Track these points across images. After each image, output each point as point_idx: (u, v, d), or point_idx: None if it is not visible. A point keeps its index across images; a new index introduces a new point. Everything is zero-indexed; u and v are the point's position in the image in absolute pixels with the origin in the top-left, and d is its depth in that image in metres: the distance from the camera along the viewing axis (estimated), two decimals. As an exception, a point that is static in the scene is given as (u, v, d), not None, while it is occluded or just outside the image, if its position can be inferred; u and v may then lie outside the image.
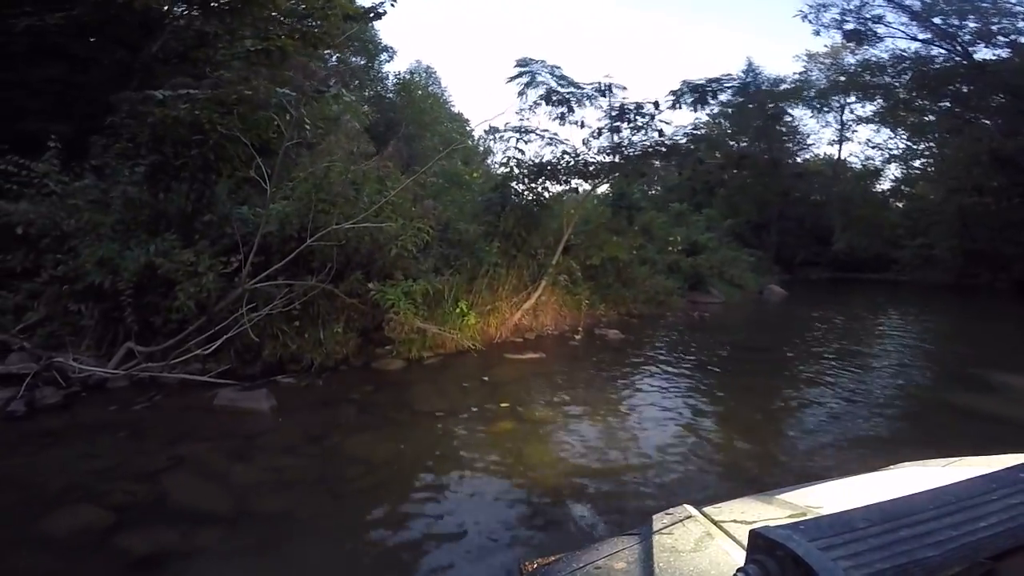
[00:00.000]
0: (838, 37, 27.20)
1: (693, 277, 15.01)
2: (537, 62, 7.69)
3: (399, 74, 23.88)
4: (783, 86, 32.46)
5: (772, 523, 0.74)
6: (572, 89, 7.49)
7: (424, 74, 25.66)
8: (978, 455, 1.32)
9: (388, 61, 22.42)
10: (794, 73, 32.63)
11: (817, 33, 27.28)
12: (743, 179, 25.19)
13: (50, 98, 8.38)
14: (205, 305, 4.79)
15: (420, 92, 23.04)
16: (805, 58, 31.52)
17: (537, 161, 8.04)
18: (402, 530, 2.75)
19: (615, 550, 0.95)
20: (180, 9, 10.06)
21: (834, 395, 5.50)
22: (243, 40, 9.90)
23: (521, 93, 7.56)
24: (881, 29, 24.74)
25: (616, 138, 8.01)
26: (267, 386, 4.83)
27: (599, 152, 8.17)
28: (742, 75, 32.95)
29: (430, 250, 7.01)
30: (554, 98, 7.47)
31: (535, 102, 7.59)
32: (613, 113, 7.74)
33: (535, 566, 1.08)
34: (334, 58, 16.31)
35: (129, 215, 5.27)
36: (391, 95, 21.49)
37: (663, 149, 8.06)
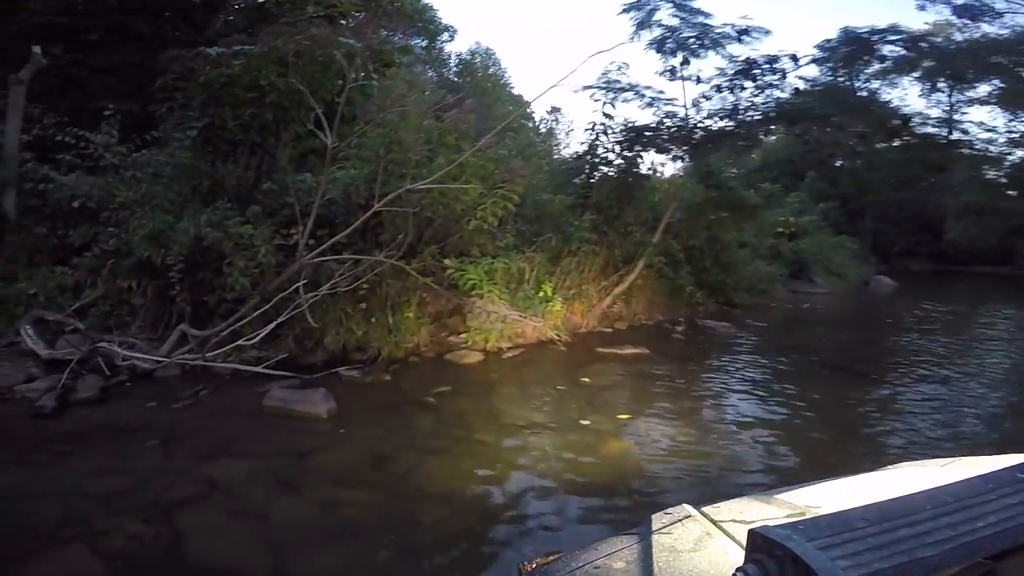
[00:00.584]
0: (947, 13, 23.51)
1: (795, 264, 13.18)
2: None
3: (460, 55, 23.18)
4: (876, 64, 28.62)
5: (771, 523, 0.73)
6: (696, 28, 6.10)
7: (484, 55, 24.80)
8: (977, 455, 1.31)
9: (449, 41, 21.72)
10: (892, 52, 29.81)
11: (923, 8, 23.72)
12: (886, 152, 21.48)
13: (118, 78, 8.27)
14: (260, 283, 4.10)
15: (481, 73, 22.17)
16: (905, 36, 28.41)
17: (631, 125, 6.80)
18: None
19: (614, 550, 0.92)
20: None
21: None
22: (306, 8, 9.43)
23: (635, 34, 6.26)
24: (1001, 4, 20.87)
25: (733, 99, 6.61)
26: (327, 380, 4.10)
27: (709, 115, 6.82)
28: (828, 47, 30.32)
29: (505, 225, 6.06)
30: (668, 45, 6.14)
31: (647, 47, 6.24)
32: (737, 67, 6.33)
33: (534, 566, 1.03)
34: (397, 36, 15.86)
35: (186, 185, 4.72)
36: (454, 77, 20.81)
37: (790, 112, 6.56)
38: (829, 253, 15.74)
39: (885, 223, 29.49)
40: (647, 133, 6.61)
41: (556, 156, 12.89)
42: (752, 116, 6.62)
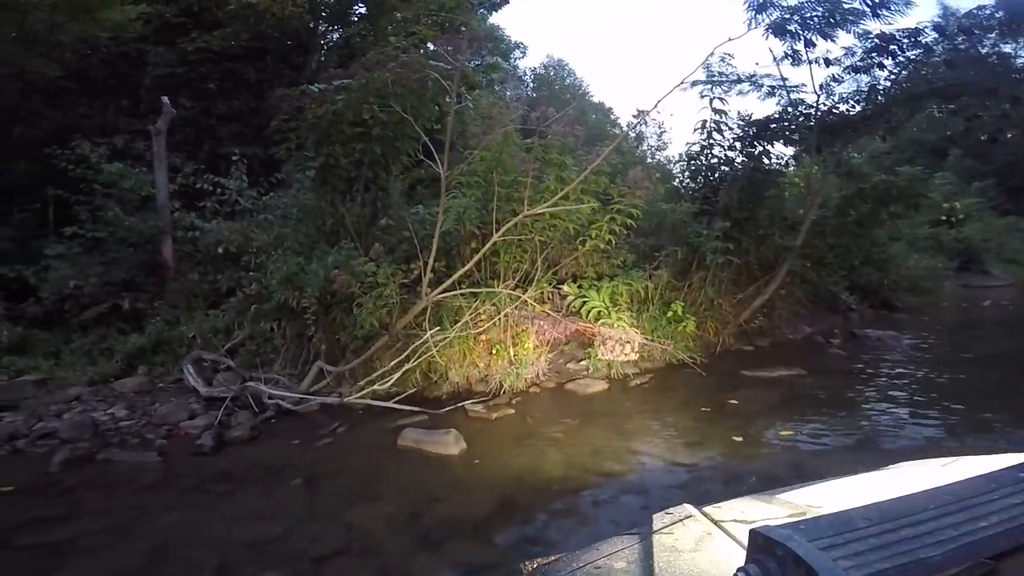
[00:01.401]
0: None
1: (962, 254, 11.14)
2: None
3: (534, 69, 23.24)
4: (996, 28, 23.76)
5: (772, 523, 0.72)
6: (822, 5, 5.34)
7: (558, 67, 24.63)
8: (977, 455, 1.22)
9: (521, 58, 21.86)
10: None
11: None
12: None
13: (239, 124, 9.26)
14: (385, 323, 4.15)
15: (558, 85, 22.01)
16: None
17: (753, 119, 6.09)
18: None
19: (615, 549, 0.95)
20: (324, 26, 10.49)
21: None
22: (388, 39, 9.96)
23: (752, 19, 5.63)
24: None
25: (868, 79, 5.68)
26: (454, 415, 4.03)
27: (842, 100, 5.92)
28: (938, 21, 26.02)
29: (619, 241, 5.66)
30: (791, 27, 5.42)
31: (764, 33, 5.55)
32: (872, 45, 5.43)
33: (535, 566, 1.12)
34: (475, 58, 16.22)
35: (312, 226, 5.00)
36: (531, 92, 20.87)
37: (944, 88, 5.47)
38: (1000, 238, 13.17)
39: None
40: (772, 125, 5.87)
41: (650, 161, 12.20)
42: (895, 95, 5.62)
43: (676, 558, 0.88)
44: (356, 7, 10.73)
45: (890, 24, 5.40)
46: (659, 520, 1.02)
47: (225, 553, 2.59)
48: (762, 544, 0.65)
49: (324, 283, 4.19)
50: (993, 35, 6.51)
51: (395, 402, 4.23)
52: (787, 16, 5.48)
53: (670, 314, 4.97)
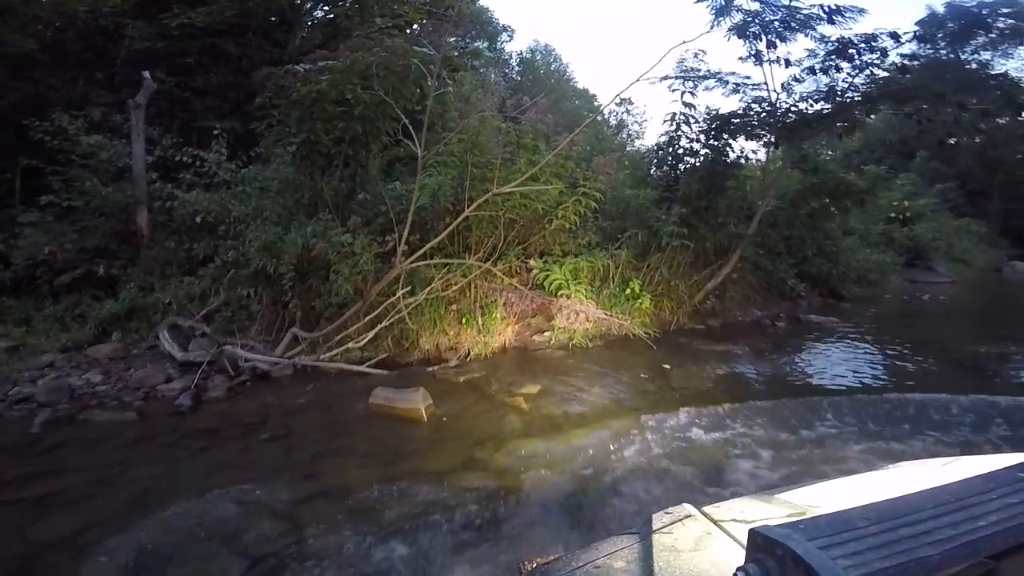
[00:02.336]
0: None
1: (911, 251, 11.95)
2: None
3: (520, 53, 23.34)
4: (980, 37, 25.12)
5: (771, 522, 0.72)
6: (780, 11, 5.76)
7: (544, 52, 24.74)
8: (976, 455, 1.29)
9: (508, 41, 21.92)
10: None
11: None
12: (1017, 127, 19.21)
13: (217, 98, 9.26)
14: (361, 289, 4.44)
15: (543, 70, 22.18)
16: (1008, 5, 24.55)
17: (717, 113, 6.52)
18: None
19: (614, 549, 0.94)
20: (309, 3, 10.48)
21: None
22: (374, 20, 10.01)
23: (714, 21, 6.02)
24: None
25: (828, 81, 6.15)
26: (424, 378, 4.35)
27: (802, 99, 6.39)
28: (924, 22, 27.37)
29: (586, 222, 6.05)
30: (753, 30, 5.84)
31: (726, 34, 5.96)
32: (831, 48, 5.88)
33: (535, 565, 1.08)
34: (452, 39, 16.26)
35: (289, 198, 5.21)
36: (516, 75, 20.99)
37: (898, 91, 5.98)
38: (951, 238, 14.14)
39: (1018, 202, 26.18)
40: (734, 120, 6.31)
41: (629, 149, 12.63)
42: (852, 97, 6.10)
43: (676, 558, 0.89)
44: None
45: (848, 29, 5.86)
46: (658, 520, 1.02)
47: (206, 501, 2.78)
48: (761, 543, 0.66)
49: (302, 251, 4.44)
50: (945, 42, 7.10)
51: (367, 366, 4.54)
52: (748, 20, 5.89)
53: (628, 291, 5.41)
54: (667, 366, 4.68)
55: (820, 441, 3.40)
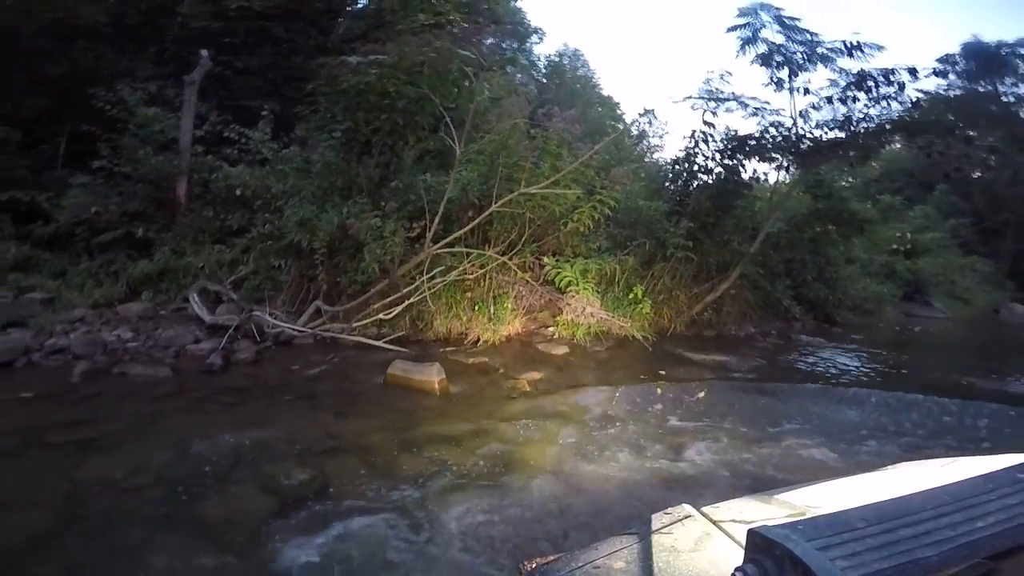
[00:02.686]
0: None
1: (911, 285, 12.26)
2: (762, 10, 6.48)
3: (549, 56, 23.71)
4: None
5: (770, 523, 0.73)
6: (803, 45, 6.15)
7: (572, 57, 25.12)
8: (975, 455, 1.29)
9: (538, 43, 22.27)
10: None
11: None
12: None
13: (258, 78, 9.69)
14: (388, 269, 4.83)
15: (570, 75, 22.55)
16: None
17: (734, 134, 6.89)
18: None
19: (614, 549, 0.94)
20: None
21: None
22: (416, 15, 10.39)
23: (741, 50, 6.40)
24: None
25: (845, 110, 6.51)
26: (436, 356, 4.74)
27: (818, 126, 6.75)
28: (964, 51, 27.87)
29: (598, 227, 6.43)
30: (776, 59, 6.22)
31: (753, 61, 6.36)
32: (850, 79, 6.25)
33: (535, 565, 1.08)
34: (489, 41, 16.66)
35: (327, 180, 5.62)
36: (544, 78, 21.37)
37: (910, 124, 6.34)
38: (954, 275, 14.42)
39: None
40: (751, 142, 6.67)
41: (648, 160, 12.97)
42: (866, 127, 6.45)
43: (675, 558, 0.90)
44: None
45: (867, 63, 6.23)
46: (658, 520, 1.03)
47: (237, 450, 3.11)
48: (760, 544, 0.67)
49: (336, 229, 4.84)
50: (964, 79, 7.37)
51: (385, 342, 4.93)
52: (772, 50, 6.26)
53: (631, 296, 5.78)
54: (662, 372, 5.05)
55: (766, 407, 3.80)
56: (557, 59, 23.71)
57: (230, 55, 9.40)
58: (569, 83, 21.52)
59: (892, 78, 6.09)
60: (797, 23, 6.24)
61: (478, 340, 5.23)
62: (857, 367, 5.92)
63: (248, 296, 5.81)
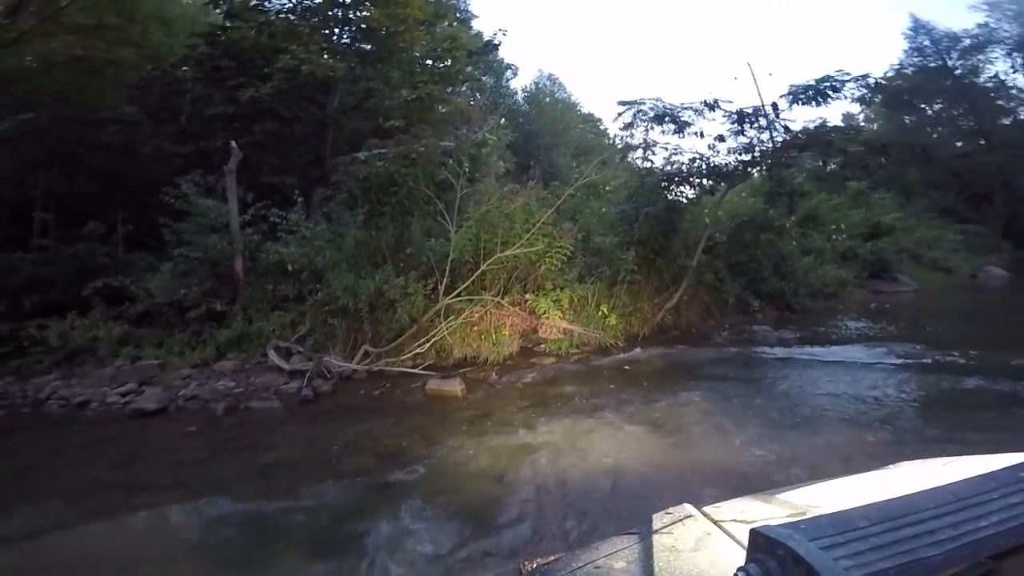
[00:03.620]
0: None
1: (874, 264, 14.20)
2: (638, 102, 8.96)
3: (526, 88, 26.20)
4: (966, 41, 28.64)
5: (772, 522, 0.78)
6: (677, 113, 8.50)
7: (548, 82, 27.68)
8: (978, 454, 1.38)
9: (512, 78, 24.76)
10: (976, 25, 28.45)
11: None
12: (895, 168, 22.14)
13: (273, 153, 12.11)
14: (415, 317, 7.06)
15: (548, 100, 24.96)
16: (986, 7, 27.61)
17: (663, 170, 9.13)
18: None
19: (615, 549, 0.99)
20: (343, 64, 13.25)
21: None
22: (399, 91, 12.83)
23: (627, 128, 8.81)
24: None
25: (742, 139, 8.74)
26: (458, 376, 6.92)
27: (730, 152, 8.96)
28: (909, 33, 29.94)
29: (575, 260, 8.63)
30: (665, 121, 8.54)
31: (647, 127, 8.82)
32: (734, 119, 8.47)
33: (535, 566, 1.10)
34: (464, 86, 19.09)
35: (357, 252, 7.88)
36: (524, 106, 23.75)
37: (799, 142, 8.53)
38: (922, 248, 16.33)
39: (1020, 205, 27.87)
40: (675, 176, 8.92)
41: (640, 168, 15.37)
42: (766, 148, 8.66)
43: (676, 558, 0.92)
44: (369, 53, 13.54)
45: (743, 107, 8.47)
46: (658, 520, 1.05)
47: (347, 440, 5.24)
48: (762, 544, 0.69)
49: (374, 292, 7.09)
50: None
51: (419, 369, 7.12)
52: (658, 115, 8.58)
53: (600, 313, 7.93)
54: (627, 367, 7.20)
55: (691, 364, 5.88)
56: (534, 87, 26.23)
57: (248, 136, 11.85)
58: (548, 110, 23.86)
59: (762, 113, 8.29)
60: (665, 105, 8.58)
61: (486, 360, 7.40)
62: (772, 344, 8.01)
63: (312, 347, 8.07)
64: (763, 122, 8.31)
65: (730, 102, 8.27)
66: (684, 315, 9.11)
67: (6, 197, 11.08)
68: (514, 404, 5.95)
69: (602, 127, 29.56)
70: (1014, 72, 28.46)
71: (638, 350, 7.95)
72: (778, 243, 10.72)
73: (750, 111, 8.25)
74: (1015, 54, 28.12)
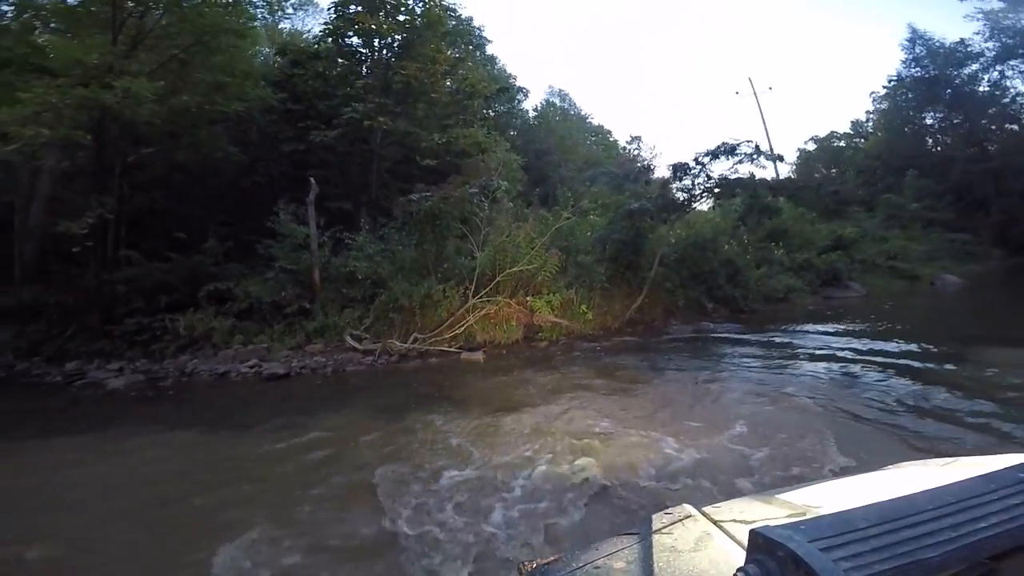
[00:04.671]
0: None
1: (827, 273, 17.72)
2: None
3: (536, 108, 30.16)
4: (962, 50, 31.38)
5: (772, 523, 0.82)
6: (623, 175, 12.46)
7: (558, 98, 31.64)
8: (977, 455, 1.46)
9: (524, 100, 28.69)
10: (974, 34, 31.41)
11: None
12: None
13: (332, 182, 16.18)
14: (451, 312, 11.03)
15: (557, 118, 28.84)
16: (980, 16, 30.20)
17: (629, 206, 12.99)
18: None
19: (614, 550, 1.04)
20: (388, 118, 17.20)
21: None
22: (432, 134, 16.85)
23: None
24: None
25: (681, 184, 12.62)
26: (481, 351, 10.85)
27: (679, 190, 12.80)
28: (907, 43, 33.09)
29: (566, 272, 12.51)
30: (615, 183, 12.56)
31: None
32: (670, 172, 12.42)
33: (534, 566, 1.16)
34: (485, 109, 23.06)
35: (411, 265, 11.89)
36: (535, 123, 27.64)
37: (721, 184, 12.38)
38: (881, 258, 19.81)
39: (1014, 211, 30.11)
40: (635, 213, 12.76)
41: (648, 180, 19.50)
42: (703, 187, 12.49)
43: (676, 558, 0.97)
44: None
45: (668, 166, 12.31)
46: (658, 520, 1.11)
47: (417, 392, 9.06)
48: (762, 544, 0.73)
49: (423, 295, 11.06)
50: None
51: (455, 348, 11.06)
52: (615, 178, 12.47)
53: (581, 311, 11.78)
54: (597, 346, 11.05)
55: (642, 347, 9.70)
56: (544, 103, 30.14)
57: (308, 167, 15.91)
58: (557, 128, 27.71)
59: (688, 168, 12.09)
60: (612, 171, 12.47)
61: (500, 342, 11.31)
62: (705, 335, 11.82)
63: (375, 334, 12.07)
64: (695, 170, 12.14)
65: (657, 165, 12.19)
66: (648, 313, 12.90)
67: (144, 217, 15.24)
68: (517, 366, 9.88)
69: (611, 139, 33.44)
70: (1006, 79, 31.26)
71: (608, 337, 11.81)
72: (733, 256, 14.44)
73: (681, 165, 12.10)
74: (1010, 62, 30.94)
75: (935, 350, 9.17)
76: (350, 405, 8.08)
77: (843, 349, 9.66)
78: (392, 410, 7.51)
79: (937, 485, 0.91)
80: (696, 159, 12.14)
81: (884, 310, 15.16)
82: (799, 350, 9.89)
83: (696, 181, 12.38)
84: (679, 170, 12.20)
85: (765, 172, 29.65)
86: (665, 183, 12.60)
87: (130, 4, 13.59)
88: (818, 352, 9.56)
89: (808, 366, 8.61)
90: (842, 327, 12.03)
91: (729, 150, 11.89)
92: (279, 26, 24.05)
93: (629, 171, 13.51)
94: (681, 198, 12.62)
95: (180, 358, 12.43)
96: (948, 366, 7.98)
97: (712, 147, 12.03)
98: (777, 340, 10.91)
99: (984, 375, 7.24)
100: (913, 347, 9.34)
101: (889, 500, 0.85)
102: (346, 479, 5.12)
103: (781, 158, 15.08)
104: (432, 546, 3.79)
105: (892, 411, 6.10)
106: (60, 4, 13.84)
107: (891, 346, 9.57)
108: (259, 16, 17.32)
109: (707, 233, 13.81)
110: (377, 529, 4.08)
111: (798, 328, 12.22)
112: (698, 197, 12.60)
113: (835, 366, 8.50)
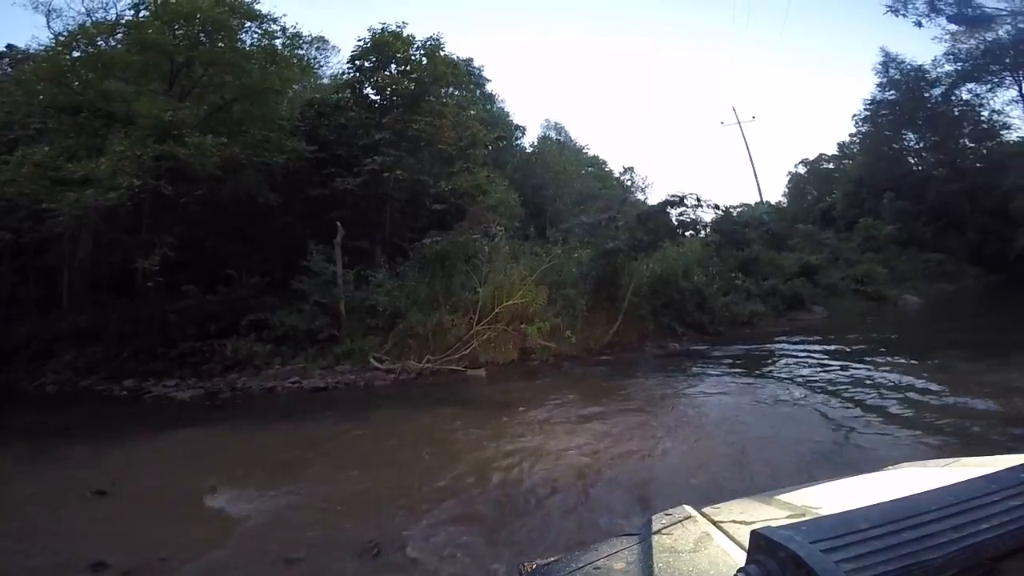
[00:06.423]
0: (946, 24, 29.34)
1: (791, 298, 21.13)
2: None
3: (533, 144, 33.88)
4: (933, 72, 33.94)
5: (772, 523, 0.86)
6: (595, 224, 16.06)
7: (554, 131, 35.37)
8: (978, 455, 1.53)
9: (521, 137, 32.41)
10: (944, 55, 34.16)
11: (919, 24, 30.21)
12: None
13: (351, 223, 19.64)
14: (459, 337, 14.48)
15: (552, 154, 32.55)
16: (947, 37, 32.65)
17: (606, 246, 16.47)
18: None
19: (614, 550, 1.08)
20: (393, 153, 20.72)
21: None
22: (439, 181, 20.48)
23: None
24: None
25: (652, 225, 16.15)
26: (483, 368, 14.24)
27: (644, 233, 16.34)
28: (879, 67, 36.34)
29: (555, 303, 15.96)
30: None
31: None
32: (635, 220, 15.98)
33: (534, 566, 1.20)
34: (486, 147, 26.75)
35: (425, 298, 15.37)
36: (532, 159, 31.29)
37: (689, 222, 16.01)
38: (846, 282, 23.27)
39: (988, 232, 33.00)
40: (613, 251, 16.22)
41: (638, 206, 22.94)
42: (658, 231, 16.05)
43: (675, 559, 1.00)
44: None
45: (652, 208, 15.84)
46: (658, 521, 1.15)
47: (437, 399, 12.60)
48: (763, 545, 0.76)
49: (435, 323, 14.50)
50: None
51: (461, 367, 14.45)
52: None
53: (566, 336, 15.18)
54: (580, 370, 14.45)
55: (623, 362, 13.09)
56: (541, 136, 33.84)
57: (331, 210, 19.39)
58: (554, 163, 31.34)
59: (656, 213, 15.65)
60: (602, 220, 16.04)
61: (499, 362, 14.71)
62: (669, 352, 15.26)
63: (395, 356, 15.47)
64: (656, 217, 15.71)
65: (619, 213, 15.78)
66: (624, 336, 16.29)
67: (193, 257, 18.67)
68: (513, 379, 13.29)
69: (607, 168, 37.11)
70: (979, 98, 34.40)
71: (589, 357, 15.22)
72: (701, 286, 17.92)
73: (647, 212, 15.65)
74: (982, 82, 34.01)
75: (848, 350, 12.74)
76: (389, 407, 11.56)
77: (780, 354, 13.19)
78: (419, 407, 11.00)
79: (938, 486, 0.96)
80: (653, 209, 15.62)
81: (835, 327, 18.57)
82: (742, 359, 13.38)
83: (657, 224, 15.92)
84: (642, 217, 15.73)
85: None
86: (634, 227, 16.08)
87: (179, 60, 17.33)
88: (763, 359, 13.08)
89: (743, 374, 12.05)
90: (791, 342, 15.53)
91: (678, 201, 15.46)
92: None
93: (600, 219, 16.84)
94: (646, 240, 16.10)
95: (228, 376, 15.87)
96: (855, 364, 11.42)
97: (663, 199, 15.66)
98: (731, 353, 14.40)
99: (877, 372, 10.67)
100: (832, 348, 12.95)
101: (891, 501, 0.89)
102: (444, 437, 8.94)
103: (718, 207, 19.00)
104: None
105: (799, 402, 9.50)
106: (127, 54, 17.38)
107: (816, 348, 13.22)
108: (296, 81, 21.00)
109: (677, 267, 17.27)
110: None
111: (753, 345, 15.69)
112: (662, 238, 16.07)
113: (766, 369, 11.94)
